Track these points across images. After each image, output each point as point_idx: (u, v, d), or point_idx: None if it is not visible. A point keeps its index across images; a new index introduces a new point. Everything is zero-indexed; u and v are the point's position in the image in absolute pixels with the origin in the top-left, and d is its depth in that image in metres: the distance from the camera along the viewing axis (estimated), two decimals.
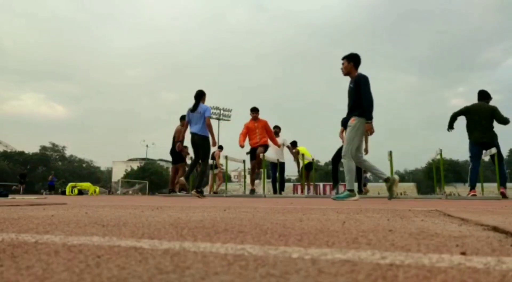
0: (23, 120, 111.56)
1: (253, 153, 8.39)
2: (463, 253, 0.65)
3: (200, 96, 6.40)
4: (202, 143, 6.31)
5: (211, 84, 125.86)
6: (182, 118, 8.51)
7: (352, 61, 4.84)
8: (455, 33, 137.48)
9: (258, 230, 1.02)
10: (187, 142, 6.83)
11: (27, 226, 1.13)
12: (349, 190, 4.77)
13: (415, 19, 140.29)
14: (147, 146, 63.80)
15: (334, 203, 3.72)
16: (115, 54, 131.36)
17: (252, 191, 8.63)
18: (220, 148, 11.64)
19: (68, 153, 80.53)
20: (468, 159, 7.12)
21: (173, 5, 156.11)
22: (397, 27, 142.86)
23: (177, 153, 8.45)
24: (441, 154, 7.94)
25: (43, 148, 74.57)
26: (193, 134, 6.32)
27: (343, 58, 4.90)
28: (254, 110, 8.42)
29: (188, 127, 6.47)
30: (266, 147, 8.33)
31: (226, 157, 9.71)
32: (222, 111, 49.55)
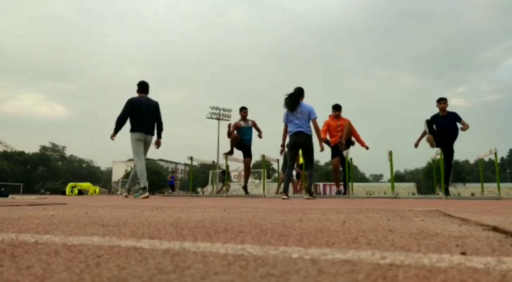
0: (23, 120, 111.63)
1: (334, 151, 7.86)
2: (463, 253, 0.65)
3: (299, 94, 5.78)
4: (308, 143, 5.76)
5: (211, 84, 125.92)
6: (243, 109, 8.22)
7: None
8: (455, 32, 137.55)
9: (258, 230, 1.02)
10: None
11: (27, 226, 1.13)
12: None
13: (415, 19, 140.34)
14: None
15: (334, 203, 3.72)
16: (114, 54, 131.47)
17: (339, 192, 8.10)
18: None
19: (68, 153, 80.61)
20: (468, 159, 7.20)
21: (173, 5, 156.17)
22: (397, 27, 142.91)
23: (246, 146, 8.19)
24: (441, 154, 7.94)
25: (43, 148, 74.61)
26: (297, 134, 5.67)
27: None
28: (337, 108, 7.94)
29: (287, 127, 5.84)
30: (348, 145, 7.86)
31: (226, 157, 9.71)
32: (222, 111, 49.58)
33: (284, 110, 5.80)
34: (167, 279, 0.47)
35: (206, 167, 39.38)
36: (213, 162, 11.33)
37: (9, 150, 67.29)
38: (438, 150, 8.16)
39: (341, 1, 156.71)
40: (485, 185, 9.25)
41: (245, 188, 8.60)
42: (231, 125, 8.27)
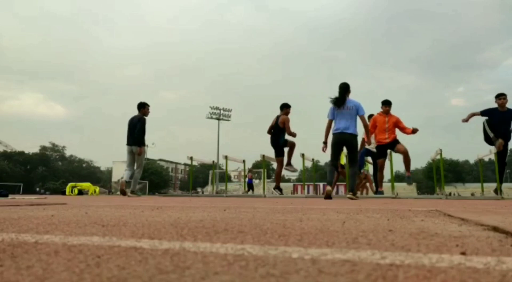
0: (23, 120, 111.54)
1: (380, 151, 7.47)
2: (463, 253, 0.65)
3: (346, 89, 5.64)
4: (352, 141, 5.61)
5: (211, 84, 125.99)
6: (285, 106, 7.72)
7: None
8: (455, 32, 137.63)
9: (258, 230, 1.02)
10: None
11: (27, 226, 1.13)
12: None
13: (415, 19, 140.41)
14: (147, 146, 63.82)
15: (334, 203, 3.72)
16: (114, 54, 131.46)
17: (381, 193, 7.77)
18: None
19: (68, 153, 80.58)
20: (468, 159, 7.20)
21: (173, 5, 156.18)
22: (397, 26, 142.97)
23: (280, 145, 7.73)
24: (441, 154, 7.95)
25: (43, 148, 74.57)
26: (342, 133, 5.54)
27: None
28: (387, 104, 7.41)
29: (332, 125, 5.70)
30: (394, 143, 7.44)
31: (226, 157, 9.72)
32: (222, 111, 49.60)
33: (329, 106, 5.64)
34: (167, 279, 0.47)
35: (206, 167, 39.40)
36: (213, 161, 11.34)
37: (9, 150, 67.27)
38: (438, 150, 8.15)
39: (342, 1, 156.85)
40: (485, 185, 9.26)
41: (277, 187, 8.13)
42: (286, 121, 7.62)
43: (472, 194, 17.07)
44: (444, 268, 0.53)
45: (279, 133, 7.59)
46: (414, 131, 7.35)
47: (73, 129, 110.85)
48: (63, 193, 17.41)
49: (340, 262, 0.57)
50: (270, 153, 8.79)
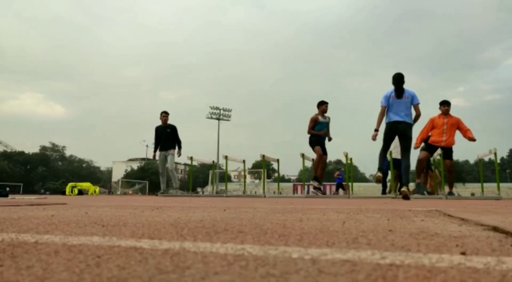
0: (22, 120, 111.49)
1: (429, 149, 7.16)
2: (463, 253, 0.65)
3: (403, 79, 5.58)
4: (408, 131, 5.52)
5: (211, 84, 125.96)
6: (322, 103, 7.70)
7: None
8: (455, 32, 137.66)
9: (258, 230, 1.02)
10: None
11: (27, 226, 1.13)
12: None
13: (415, 19, 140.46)
14: (147, 146, 63.71)
15: (334, 203, 3.72)
16: (114, 54, 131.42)
17: (419, 185, 7.48)
18: None
19: (68, 153, 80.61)
20: (468, 159, 7.12)
21: (173, 4, 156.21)
22: (397, 26, 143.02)
23: (323, 143, 7.67)
24: (441, 154, 7.94)
25: (43, 148, 74.60)
26: (397, 122, 5.47)
27: None
28: (446, 104, 7.15)
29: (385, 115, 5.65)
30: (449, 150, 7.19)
31: (226, 157, 9.72)
32: (222, 111, 49.60)
33: (383, 94, 5.62)
34: (167, 279, 0.47)
35: (206, 167, 39.40)
36: (213, 161, 11.34)
37: (9, 150, 67.30)
38: (439, 150, 8.13)
39: (342, 1, 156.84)
40: (485, 185, 9.26)
41: (319, 188, 7.95)
42: (310, 120, 7.70)
43: (472, 194, 17.06)
44: (444, 268, 0.53)
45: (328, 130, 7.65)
46: (471, 140, 7.06)
47: (73, 129, 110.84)
48: (63, 193, 17.41)
49: (340, 262, 0.57)
50: (270, 153, 8.77)
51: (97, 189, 20.19)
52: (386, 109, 5.63)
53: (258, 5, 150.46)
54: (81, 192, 17.66)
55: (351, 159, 8.13)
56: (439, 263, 0.57)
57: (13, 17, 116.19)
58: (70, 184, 18.51)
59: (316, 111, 7.78)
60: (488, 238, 0.86)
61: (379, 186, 8.15)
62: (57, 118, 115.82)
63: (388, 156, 8.10)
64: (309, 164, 10.36)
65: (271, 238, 0.85)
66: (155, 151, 8.82)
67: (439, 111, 7.20)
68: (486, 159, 8.89)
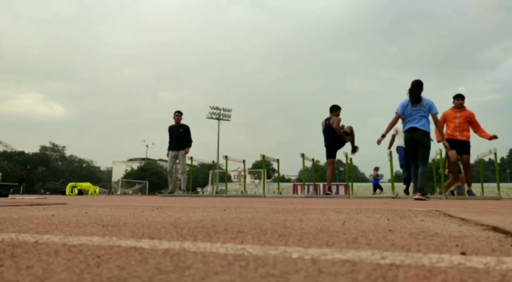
0: (22, 120, 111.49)
1: (462, 147, 6.85)
2: (463, 253, 0.65)
3: (421, 86, 5.51)
4: (424, 139, 5.42)
5: (211, 84, 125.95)
6: (335, 108, 7.66)
7: None
8: (455, 32, 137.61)
9: (258, 230, 1.02)
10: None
11: (27, 226, 1.13)
12: None
13: (415, 19, 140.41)
14: (147, 146, 63.68)
15: (334, 203, 3.72)
16: (114, 54, 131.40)
17: (453, 193, 7.26)
18: None
19: (68, 153, 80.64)
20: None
21: (172, 4, 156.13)
22: (397, 26, 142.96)
23: (335, 147, 7.63)
24: (441, 154, 7.94)
25: (43, 148, 74.63)
26: (413, 130, 5.39)
27: None
28: (460, 97, 6.97)
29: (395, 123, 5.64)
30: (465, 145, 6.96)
31: (226, 157, 9.72)
32: (222, 111, 49.59)
33: (400, 101, 5.53)
34: (167, 279, 0.47)
35: (206, 167, 39.38)
36: (213, 161, 11.34)
37: (9, 150, 67.29)
38: (438, 150, 8.12)
39: (342, 1, 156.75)
40: (485, 185, 9.26)
41: (329, 189, 7.89)
42: (336, 121, 7.58)
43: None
44: (444, 268, 0.53)
45: (333, 134, 7.56)
46: (492, 138, 6.86)
47: (73, 129, 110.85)
48: (63, 193, 17.40)
49: (340, 262, 0.57)
50: (270, 153, 8.77)
51: (97, 189, 20.18)
52: (400, 117, 5.55)
53: (258, 5, 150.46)
54: (81, 192, 17.64)
55: (351, 159, 8.13)
56: (439, 263, 0.57)
57: (13, 17, 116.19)
58: (70, 184, 18.49)
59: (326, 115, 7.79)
60: (488, 238, 0.86)
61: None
62: (57, 118, 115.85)
63: (387, 155, 8.11)
64: (309, 164, 10.36)
65: (271, 238, 0.85)
66: (169, 150, 8.76)
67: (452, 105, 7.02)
68: (486, 159, 8.89)
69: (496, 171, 7.25)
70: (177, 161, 8.60)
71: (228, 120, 50.13)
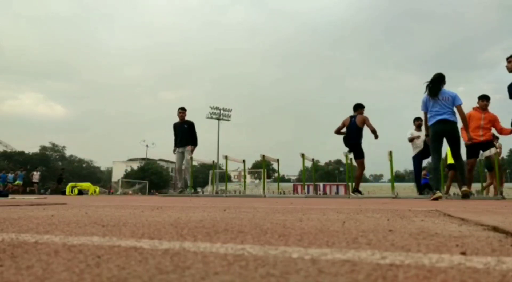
0: (22, 120, 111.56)
1: (471, 150, 6.74)
2: (463, 253, 0.65)
3: (441, 79, 5.41)
4: (455, 131, 5.29)
5: (210, 84, 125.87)
6: (359, 106, 7.60)
7: None
8: (455, 32, 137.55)
9: (258, 230, 1.02)
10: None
11: (27, 226, 1.13)
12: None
13: (415, 19, 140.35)
14: (147, 146, 63.72)
15: (334, 203, 3.72)
16: (114, 53, 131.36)
17: (467, 195, 7.44)
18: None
19: (68, 153, 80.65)
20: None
21: (172, 4, 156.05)
22: (397, 26, 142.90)
23: (360, 146, 7.47)
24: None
25: (43, 148, 74.66)
26: (440, 122, 5.22)
27: None
28: (485, 98, 6.87)
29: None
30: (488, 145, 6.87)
31: (226, 157, 9.72)
32: (222, 111, 49.59)
33: (421, 98, 5.45)
34: (167, 279, 0.47)
35: (206, 167, 39.37)
36: (213, 161, 11.34)
37: (9, 150, 67.29)
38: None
39: (342, 1, 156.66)
40: (485, 184, 9.26)
41: (357, 190, 7.69)
42: (367, 119, 7.50)
43: (472, 194, 16.85)
44: (444, 268, 0.53)
45: (359, 133, 7.44)
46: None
47: (73, 129, 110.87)
48: (63, 193, 17.40)
49: (340, 262, 0.57)
50: (270, 153, 8.76)
51: (97, 189, 20.17)
52: (426, 113, 5.45)
53: (258, 5, 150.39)
54: (81, 192, 17.64)
55: (351, 159, 8.12)
56: (439, 263, 0.57)
57: (13, 17, 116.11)
58: (70, 184, 18.48)
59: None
60: (488, 238, 0.86)
61: (379, 185, 8.09)
62: (57, 118, 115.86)
63: (387, 156, 8.11)
64: (309, 164, 10.35)
65: (271, 238, 0.85)
66: (175, 146, 8.71)
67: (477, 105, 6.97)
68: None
69: (496, 171, 7.24)
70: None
71: (228, 120, 50.14)
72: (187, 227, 1.10)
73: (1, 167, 55.83)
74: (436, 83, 5.36)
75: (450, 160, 7.55)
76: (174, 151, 8.72)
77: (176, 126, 8.74)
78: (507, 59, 5.39)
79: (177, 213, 1.78)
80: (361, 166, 7.55)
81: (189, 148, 8.50)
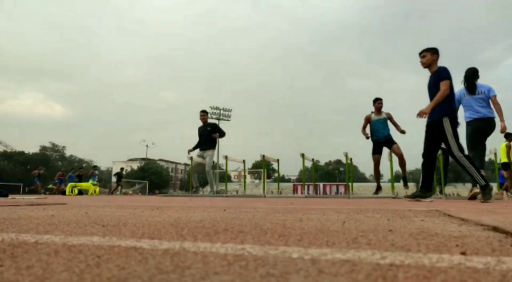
0: (22, 120, 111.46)
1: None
2: (463, 253, 0.65)
3: (475, 74, 5.35)
4: (494, 126, 5.20)
5: (210, 84, 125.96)
6: (374, 100, 7.30)
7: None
8: (456, 32, 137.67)
9: (258, 230, 1.02)
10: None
11: (27, 226, 1.13)
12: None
13: (415, 18, 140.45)
14: (147, 146, 63.75)
15: (334, 203, 3.72)
16: (114, 53, 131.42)
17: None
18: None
19: (68, 153, 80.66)
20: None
21: (172, 4, 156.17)
22: (397, 26, 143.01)
23: (381, 142, 7.15)
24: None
25: (43, 148, 74.66)
26: (481, 120, 5.18)
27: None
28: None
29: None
30: None
31: (226, 157, 9.72)
32: (222, 111, 49.58)
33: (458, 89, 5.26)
34: (167, 279, 0.47)
35: None
36: (213, 162, 11.34)
37: (9, 150, 67.29)
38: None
39: (342, 1, 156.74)
40: None
41: (404, 178, 7.36)
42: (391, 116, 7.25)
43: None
44: (444, 268, 0.53)
45: (384, 127, 7.16)
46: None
47: (73, 129, 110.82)
48: (63, 193, 17.40)
49: (340, 262, 0.57)
50: (270, 153, 8.75)
51: (97, 189, 20.14)
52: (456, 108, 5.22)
53: (258, 5, 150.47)
54: (81, 192, 17.64)
55: (351, 159, 8.12)
56: (439, 263, 0.57)
57: (13, 17, 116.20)
58: (70, 184, 18.48)
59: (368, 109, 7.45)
60: (488, 238, 0.86)
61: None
62: (57, 118, 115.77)
63: (388, 156, 8.09)
64: (309, 163, 10.36)
65: (271, 238, 0.85)
66: (193, 148, 8.65)
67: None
68: (486, 158, 8.88)
69: (496, 171, 7.24)
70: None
71: (228, 120, 50.12)
72: (187, 227, 1.10)
73: (1, 167, 55.95)
74: (472, 79, 5.33)
75: (504, 158, 7.29)
76: (189, 151, 8.68)
77: (200, 130, 8.71)
78: (420, 54, 5.02)
79: (177, 213, 1.78)
80: (400, 152, 7.12)
81: (210, 152, 8.51)
